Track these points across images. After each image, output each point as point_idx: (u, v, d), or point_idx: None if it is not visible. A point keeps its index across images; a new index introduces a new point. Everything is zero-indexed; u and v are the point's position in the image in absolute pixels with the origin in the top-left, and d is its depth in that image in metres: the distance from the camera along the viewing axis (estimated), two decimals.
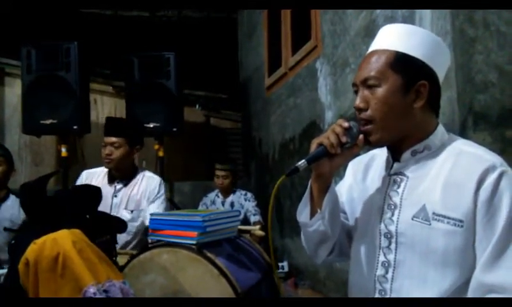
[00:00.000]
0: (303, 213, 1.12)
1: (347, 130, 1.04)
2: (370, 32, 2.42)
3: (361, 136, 1.05)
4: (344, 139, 1.03)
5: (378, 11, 2.38)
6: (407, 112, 1.03)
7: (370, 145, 1.07)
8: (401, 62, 1.02)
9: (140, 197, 2.41)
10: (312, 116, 3.26)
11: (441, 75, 1.07)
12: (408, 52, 1.03)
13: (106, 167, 2.41)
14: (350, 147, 1.05)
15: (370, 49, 1.10)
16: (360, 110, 1.05)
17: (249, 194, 3.79)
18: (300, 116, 3.49)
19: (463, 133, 1.70)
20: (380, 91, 1.02)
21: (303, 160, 1.02)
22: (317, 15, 3.16)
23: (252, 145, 4.90)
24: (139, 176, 2.46)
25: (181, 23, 5.72)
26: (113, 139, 2.35)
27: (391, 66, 1.02)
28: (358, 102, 1.05)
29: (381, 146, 1.11)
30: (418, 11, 2.02)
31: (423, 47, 1.04)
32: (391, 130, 1.04)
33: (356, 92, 1.08)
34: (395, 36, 1.06)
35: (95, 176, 2.44)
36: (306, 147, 3.31)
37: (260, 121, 4.61)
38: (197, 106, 5.79)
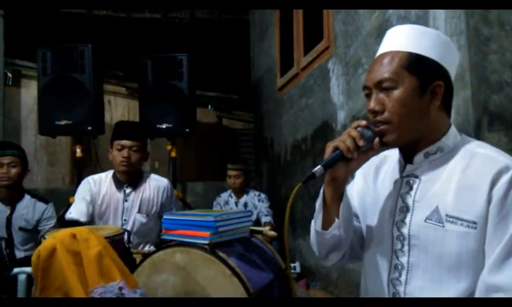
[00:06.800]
0: (317, 221, 1.11)
1: (362, 134, 1.03)
2: (383, 32, 2.37)
3: (376, 139, 1.04)
4: (361, 143, 1.02)
5: (391, 11, 2.35)
6: (423, 113, 1.02)
7: (385, 146, 1.06)
8: (416, 63, 1.02)
9: (152, 201, 2.38)
10: (324, 116, 3.24)
11: (452, 74, 1.07)
12: (421, 52, 1.03)
13: (122, 170, 2.33)
14: (365, 150, 1.04)
15: (381, 51, 1.09)
16: (375, 113, 1.04)
17: (262, 195, 3.78)
18: (312, 117, 3.48)
19: (478, 133, 1.68)
20: (396, 93, 1.01)
21: (319, 166, 1.01)
22: (329, 15, 3.15)
23: (264, 146, 4.89)
24: (147, 180, 2.42)
25: (193, 25, 5.77)
26: (131, 143, 2.29)
27: (406, 67, 1.02)
28: (373, 104, 1.04)
29: (395, 147, 1.10)
30: (431, 10, 2.00)
31: (434, 46, 1.03)
32: (407, 131, 1.03)
33: (368, 95, 1.07)
34: (405, 37, 1.06)
35: (102, 181, 2.38)
36: (319, 147, 3.32)
37: (272, 121, 4.60)
38: (209, 107, 5.83)
